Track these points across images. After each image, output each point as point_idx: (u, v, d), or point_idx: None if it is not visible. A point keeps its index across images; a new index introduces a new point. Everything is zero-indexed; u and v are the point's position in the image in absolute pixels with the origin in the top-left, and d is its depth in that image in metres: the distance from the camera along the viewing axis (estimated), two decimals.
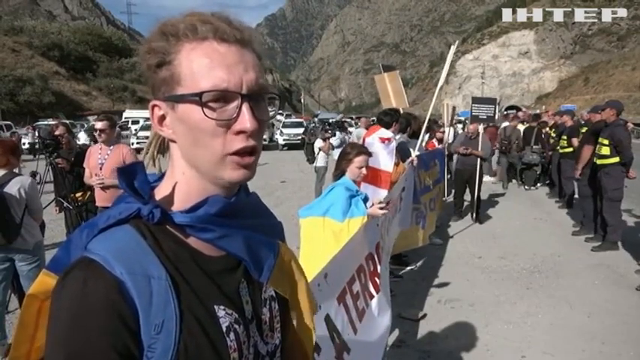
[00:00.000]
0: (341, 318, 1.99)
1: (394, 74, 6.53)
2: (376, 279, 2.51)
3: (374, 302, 2.43)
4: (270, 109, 0.77)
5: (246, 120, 0.69)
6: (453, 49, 6.26)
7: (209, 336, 0.70)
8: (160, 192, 0.76)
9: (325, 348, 1.74)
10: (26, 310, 0.72)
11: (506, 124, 12.06)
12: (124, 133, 22.25)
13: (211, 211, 0.72)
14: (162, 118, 0.74)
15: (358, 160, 3.00)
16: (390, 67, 7.38)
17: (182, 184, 0.74)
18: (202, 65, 0.69)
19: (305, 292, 0.94)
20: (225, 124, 0.69)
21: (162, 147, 0.82)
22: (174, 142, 0.75)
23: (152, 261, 0.68)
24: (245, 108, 0.70)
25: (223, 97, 0.69)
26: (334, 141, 10.30)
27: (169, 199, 0.74)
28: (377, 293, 2.50)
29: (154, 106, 0.74)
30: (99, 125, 4.50)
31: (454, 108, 11.96)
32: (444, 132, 9.11)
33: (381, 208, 2.83)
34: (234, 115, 0.69)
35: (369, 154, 3.15)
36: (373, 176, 4.33)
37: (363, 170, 3.01)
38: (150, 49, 0.71)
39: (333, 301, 1.91)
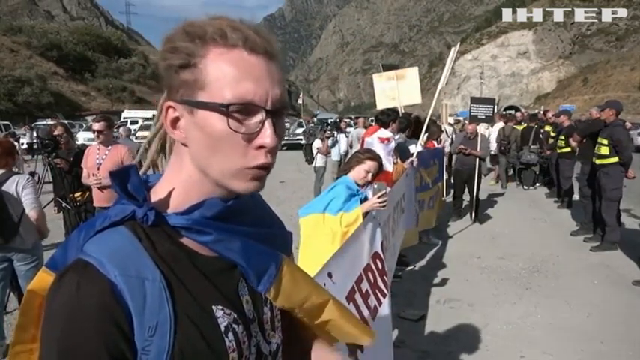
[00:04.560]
0: None
1: (409, 71, 6.52)
2: (385, 277, 2.51)
3: (386, 300, 2.43)
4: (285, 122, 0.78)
5: (267, 135, 0.69)
6: (453, 51, 6.25)
7: (206, 337, 0.69)
8: (157, 193, 0.75)
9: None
10: (27, 304, 0.72)
11: (500, 124, 11.98)
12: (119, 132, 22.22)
13: (207, 214, 0.71)
14: (176, 120, 0.72)
15: (369, 164, 2.99)
16: (391, 65, 7.39)
17: (183, 187, 0.73)
18: (230, 74, 0.67)
19: (336, 315, 0.90)
20: (246, 137, 0.68)
21: (164, 147, 0.81)
22: (185, 145, 0.73)
23: (146, 263, 0.67)
24: (268, 124, 0.69)
25: (247, 109, 0.68)
26: (329, 141, 10.34)
27: (165, 200, 0.73)
28: (388, 291, 2.50)
29: (169, 107, 0.72)
30: (96, 126, 4.49)
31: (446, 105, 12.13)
32: (442, 131, 9.12)
33: (380, 196, 2.74)
34: (257, 129, 0.69)
35: (382, 167, 3.15)
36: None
37: (369, 177, 3.00)
38: (173, 48, 0.69)
39: (342, 300, 1.91)
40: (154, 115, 0.93)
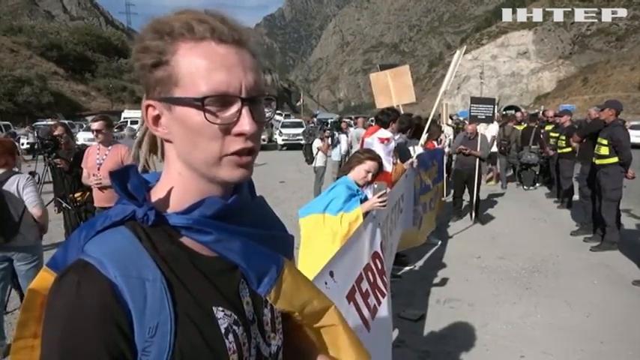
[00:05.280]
0: (352, 316, 1.99)
1: (401, 70, 6.50)
2: (384, 277, 2.52)
3: (385, 300, 2.44)
4: (267, 111, 0.77)
5: (245, 123, 0.69)
6: (458, 55, 6.23)
7: (206, 338, 0.69)
8: (156, 193, 0.75)
9: None
10: (29, 303, 0.72)
11: (494, 126, 11.77)
12: (123, 133, 22.20)
13: (207, 213, 0.71)
14: (157, 118, 0.72)
15: (369, 164, 3.00)
16: (389, 66, 7.39)
17: (178, 185, 0.74)
18: (201, 67, 0.67)
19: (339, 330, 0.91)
20: (225, 127, 0.69)
21: (155, 146, 0.81)
22: (169, 142, 0.74)
23: (147, 263, 0.67)
24: (245, 112, 0.69)
25: (223, 100, 0.68)
26: (329, 141, 10.36)
27: (165, 200, 0.73)
28: (388, 291, 2.50)
29: (149, 106, 0.72)
30: (95, 126, 4.49)
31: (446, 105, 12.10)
32: (443, 131, 9.13)
33: (380, 196, 2.75)
34: (235, 118, 0.69)
35: (382, 167, 3.16)
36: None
37: (369, 177, 3.01)
38: (144, 47, 0.69)
39: (342, 300, 1.92)
40: None
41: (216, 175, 0.71)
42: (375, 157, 3.06)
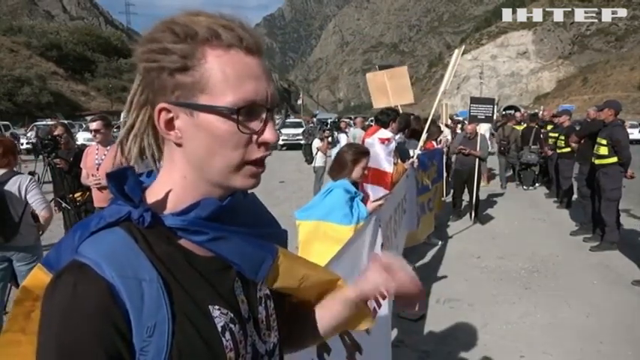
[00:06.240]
0: None
1: (399, 71, 6.49)
2: None
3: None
4: (277, 118, 0.79)
5: (271, 133, 0.71)
6: (457, 55, 6.22)
7: (203, 336, 0.69)
8: (152, 194, 0.75)
9: (335, 348, 1.73)
10: (20, 299, 0.72)
11: (486, 127, 11.61)
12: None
13: (202, 214, 0.71)
14: (171, 121, 0.71)
15: (364, 160, 3.03)
16: (386, 66, 7.39)
17: (178, 187, 0.73)
18: (232, 76, 0.68)
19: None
20: (251, 136, 0.70)
21: (142, 149, 0.78)
22: (179, 146, 0.72)
23: (143, 264, 0.67)
24: (269, 121, 0.71)
25: (251, 110, 0.69)
26: (329, 140, 10.39)
27: (162, 201, 0.73)
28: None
29: (162, 109, 0.70)
30: (93, 126, 4.47)
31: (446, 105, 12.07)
32: (442, 132, 9.13)
33: (379, 199, 2.80)
34: (261, 127, 0.71)
35: (369, 154, 3.19)
36: (375, 177, 4.33)
37: (365, 171, 3.05)
38: (163, 49, 0.67)
39: None
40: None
41: (230, 182, 0.72)
42: (365, 151, 3.10)
